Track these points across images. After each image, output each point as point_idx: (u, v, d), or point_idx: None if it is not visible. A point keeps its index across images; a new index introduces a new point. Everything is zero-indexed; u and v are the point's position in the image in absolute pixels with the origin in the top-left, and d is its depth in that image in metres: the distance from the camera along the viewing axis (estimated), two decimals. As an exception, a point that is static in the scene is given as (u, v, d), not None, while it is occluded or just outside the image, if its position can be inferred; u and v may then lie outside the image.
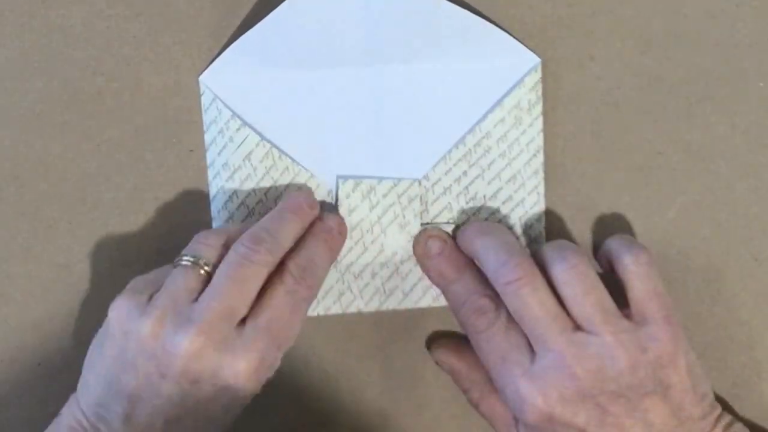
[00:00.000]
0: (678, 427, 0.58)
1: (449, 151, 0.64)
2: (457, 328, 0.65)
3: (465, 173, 0.64)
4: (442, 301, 0.64)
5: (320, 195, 0.64)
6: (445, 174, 0.64)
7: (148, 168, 0.65)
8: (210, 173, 0.64)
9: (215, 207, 0.64)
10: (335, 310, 0.65)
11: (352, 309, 0.66)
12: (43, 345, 0.66)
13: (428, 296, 0.66)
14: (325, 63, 0.63)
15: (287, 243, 0.60)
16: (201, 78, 0.64)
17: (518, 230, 0.65)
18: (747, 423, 0.65)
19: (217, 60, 0.63)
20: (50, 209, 0.65)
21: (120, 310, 0.58)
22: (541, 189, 0.65)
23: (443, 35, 0.63)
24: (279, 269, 0.59)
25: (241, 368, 0.57)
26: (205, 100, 0.64)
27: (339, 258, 0.64)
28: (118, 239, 0.65)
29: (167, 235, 0.65)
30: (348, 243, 0.64)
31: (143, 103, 0.64)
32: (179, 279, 0.58)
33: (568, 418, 0.58)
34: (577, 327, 0.58)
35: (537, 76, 0.64)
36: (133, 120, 0.65)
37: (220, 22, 0.64)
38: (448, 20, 0.62)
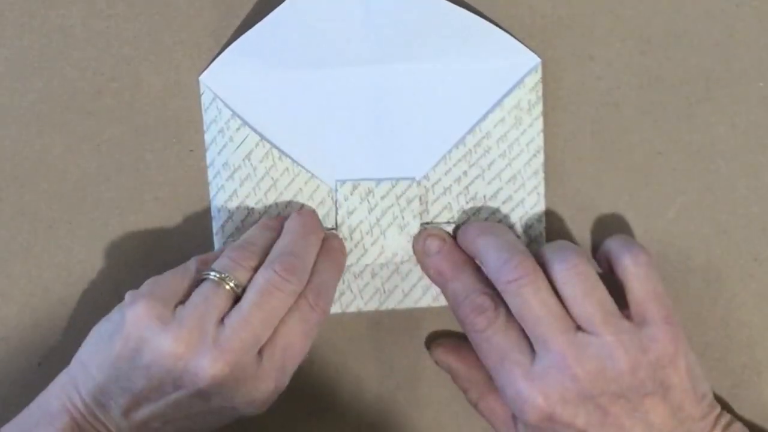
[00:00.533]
0: (678, 428, 0.58)
1: (449, 151, 0.64)
2: (457, 328, 0.65)
3: (465, 173, 0.64)
4: (442, 301, 0.64)
5: (320, 196, 0.64)
6: (445, 174, 0.64)
7: (148, 168, 0.65)
8: (210, 173, 0.64)
9: (215, 206, 0.64)
10: (335, 309, 0.65)
11: (352, 309, 0.66)
12: (43, 345, 0.66)
13: (428, 296, 0.66)
14: (325, 63, 0.63)
15: (311, 266, 0.60)
16: (201, 78, 0.64)
17: (518, 230, 0.65)
18: (747, 423, 0.65)
19: (217, 60, 0.63)
20: (50, 209, 0.65)
21: (140, 317, 0.57)
22: (541, 189, 0.65)
23: (443, 35, 0.63)
24: None
25: (255, 397, 0.58)
26: (205, 100, 0.64)
27: None
28: (118, 239, 0.65)
29: (167, 235, 0.65)
30: (348, 245, 0.64)
31: (143, 103, 0.64)
32: (208, 297, 0.58)
33: (568, 419, 0.58)
34: (578, 328, 0.58)
35: (537, 76, 0.64)
36: (133, 120, 0.65)
37: (220, 22, 0.64)
38: (448, 20, 0.62)
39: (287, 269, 0.58)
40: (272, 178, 0.64)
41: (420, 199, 0.64)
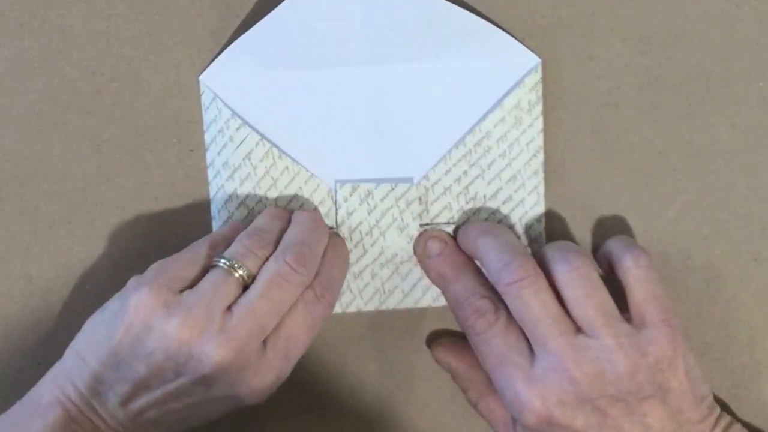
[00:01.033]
0: (677, 430, 0.58)
1: (449, 151, 0.64)
2: (457, 328, 0.65)
3: (465, 173, 0.64)
4: (442, 301, 0.64)
5: (320, 195, 0.64)
6: (445, 174, 0.64)
7: (148, 168, 0.65)
8: (210, 173, 0.64)
9: (215, 206, 0.64)
10: (335, 309, 0.65)
11: (352, 309, 0.66)
12: (43, 345, 0.66)
13: (428, 296, 0.66)
14: (325, 63, 0.63)
15: (319, 259, 0.60)
16: (201, 77, 0.64)
17: (518, 230, 0.65)
18: (747, 424, 0.65)
19: (217, 60, 0.63)
20: (50, 209, 0.65)
21: (145, 303, 0.57)
22: (541, 189, 0.65)
23: (443, 35, 0.63)
24: None
25: (257, 386, 0.58)
26: (205, 100, 0.64)
27: None
28: (118, 239, 0.65)
29: (167, 235, 0.65)
30: (348, 245, 0.64)
31: (143, 103, 0.64)
32: (217, 284, 0.58)
33: (567, 422, 0.58)
34: (578, 330, 0.58)
35: (537, 76, 0.64)
36: (133, 120, 0.65)
37: (220, 22, 0.64)
38: (448, 20, 0.62)
39: (298, 260, 0.58)
40: (272, 177, 0.64)
41: (420, 199, 0.64)
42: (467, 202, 0.65)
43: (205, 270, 0.59)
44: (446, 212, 0.65)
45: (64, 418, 0.58)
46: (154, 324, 0.56)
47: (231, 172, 0.64)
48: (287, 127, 0.64)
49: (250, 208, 0.64)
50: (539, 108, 0.64)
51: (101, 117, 0.64)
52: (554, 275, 0.59)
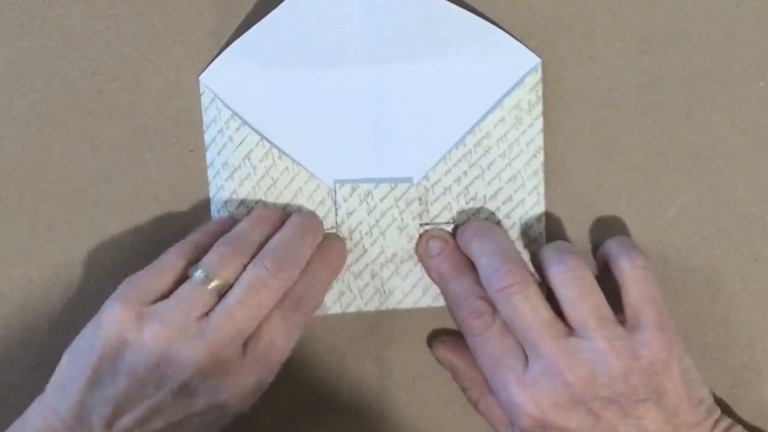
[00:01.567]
0: None
1: (449, 151, 0.64)
2: (456, 328, 0.65)
3: (465, 173, 0.64)
4: (442, 301, 0.64)
5: (320, 195, 0.64)
6: (445, 174, 0.64)
7: (148, 168, 0.65)
8: (210, 173, 0.64)
9: (215, 206, 0.64)
10: (335, 309, 0.65)
11: (352, 309, 0.66)
12: (43, 345, 0.66)
13: (428, 296, 0.66)
14: (325, 63, 0.63)
15: (303, 265, 0.60)
16: (201, 77, 0.64)
17: (518, 230, 0.65)
18: (747, 425, 0.65)
19: (217, 60, 0.63)
20: (50, 209, 0.65)
21: (118, 320, 0.57)
22: (541, 189, 0.65)
23: (443, 35, 0.63)
24: None
25: (238, 391, 0.58)
26: (204, 100, 0.64)
27: None
28: (118, 239, 0.65)
29: (167, 235, 0.65)
30: (348, 244, 0.64)
31: (143, 103, 0.64)
32: (191, 294, 0.58)
33: (560, 424, 0.58)
34: (571, 332, 0.58)
35: (537, 76, 0.64)
36: (133, 120, 0.64)
37: (220, 22, 0.64)
38: (448, 20, 0.62)
39: (277, 264, 0.58)
40: (272, 177, 0.64)
41: (420, 199, 0.64)
42: (467, 203, 0.65)
43: (179, 280, 0.59)
44: (446, 212, 0.65)
45: None
46: (129, 337, 0.56)
47: (231, 172, 0.64)
48: (287, 128, 0.64)
49: (249, 209, 0.64)
50: (539, 108, 0.64)
51: (101, 117, 0.64)
52: (549, 276, 0.59)
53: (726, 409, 0.66)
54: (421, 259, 0.64)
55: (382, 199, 0.64)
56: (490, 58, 0.63)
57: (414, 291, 0.66)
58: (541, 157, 0.64)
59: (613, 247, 0.61)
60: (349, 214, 0.64)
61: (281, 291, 0.58)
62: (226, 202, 0.64)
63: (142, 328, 0.56)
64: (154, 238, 0.65)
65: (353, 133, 0.64)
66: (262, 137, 0.64)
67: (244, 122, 0.63)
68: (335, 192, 0.64)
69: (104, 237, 0.65)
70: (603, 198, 0.66)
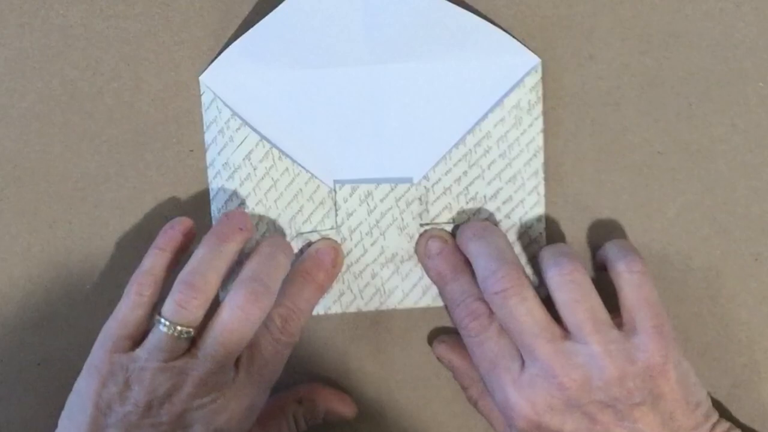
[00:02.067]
0: None
1: (449, 152, 0.64)
2: (457, 329, 0.65)
3: (465, 173, 0.64)
4: (440, 302, 0.64)
5: (320, 196, 0.64)
6: (446, 174, 0.64)
7: (148, 168, 0.65)
8: (210, 173, 0.64)
9: (215, 206, 0.64)
10: (335, 309, 0.65)
11: (352, 309, 0.66)
12: (43, 345, 0.66)
13: (428, 296, 0.66)
14: (325, 62, 0.63)
15: (278, 287, 0.60)
16: (201, 77, 0.64)
17: (518, 231, 0.65)
18: (746, 429, 0.65)
19: (217, 60, 0.63)
20: (50, 209, 0.65)
21: (99, 382, 0.58)
22: (541, 189, 0.64)
23: (443, 35, 0.63)
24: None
25: (235, 414, 0.59)
26: (205, 100, 0.64)
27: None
28: (118, 239, 0.65)
29: (167, 235, 0.65)
30: (348, 245, 0.64)
31: (143, 103, 0.64)
32: (163, 342, 0.58)
33: (556, 427, 0.58)
34: (567, 336, 0.58)
35: (537, 76, 0.64)
36: (133, 120, 0.65)
37: (220, 22, 0.64)
38: (448, 20, 0.62)
39: (249, 299, 0.58)
40: (272, 178, 0.64)
41: (420, 199, 0.64)
42: (467, 203, 0.64)
43: (147, 317, 0.60)
44: (446, 212, 0.64)
45: None
46: (116, 393, 0.58)
47: (231, 173, 0.64)
48: (287, 128, 0.64)
49: (250, 209, 0.64)
50: (539, 108, 0.64)
51: (101, 117, 0.64)
52: (547, 279, 0.59)
53: (726, 410, 0.66)
54: (420, 259, 0.64)
55: (382, 200, 0.64)
56: (491, 58, 0.63)
57: (414, 291, 0.66)
58: (541, 157, 0.64)
59: (610, 250, 0.61)
60: (350, 214, 0.64)
61: (260, 319, 0.59)
62: (226, 203, 0.64)
63: (127, 382, 0.57)
64: (154, 238, 0.65)
65: (353, 133, 0.64)
66: (263, 138, 0.64)
67: (245, 122, 0.63)
68: (335, 192, 0.64)
69: (104, 237, 0.65)
70: (603, 198, 0.66)
